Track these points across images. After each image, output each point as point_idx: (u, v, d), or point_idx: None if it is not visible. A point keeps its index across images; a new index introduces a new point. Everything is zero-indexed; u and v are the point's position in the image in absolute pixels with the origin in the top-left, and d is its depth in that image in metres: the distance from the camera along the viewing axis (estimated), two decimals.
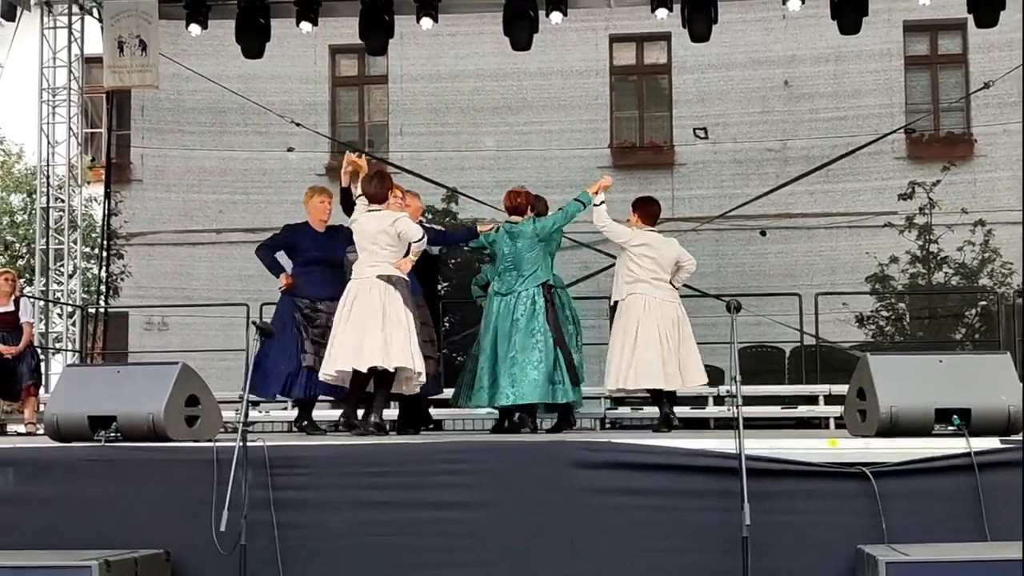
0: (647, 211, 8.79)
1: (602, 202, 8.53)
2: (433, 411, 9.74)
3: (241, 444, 5.68)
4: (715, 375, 13.09)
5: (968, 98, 15.01)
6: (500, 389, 8.26)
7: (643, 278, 8.55)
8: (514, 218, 8.62)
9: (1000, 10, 12.28)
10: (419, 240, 7.81)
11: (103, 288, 15.14)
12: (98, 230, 16.14)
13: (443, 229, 9.69)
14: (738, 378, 5.62)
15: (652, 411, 12.34)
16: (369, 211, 7.91)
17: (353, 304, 7.74)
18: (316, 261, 8.57)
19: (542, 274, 8.47)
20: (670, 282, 8.66)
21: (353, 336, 7.66)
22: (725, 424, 11.20)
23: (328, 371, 7.82)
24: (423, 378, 7.83)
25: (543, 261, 8.51)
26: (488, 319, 8.49)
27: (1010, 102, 14.14)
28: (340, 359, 7.71)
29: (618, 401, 11.71)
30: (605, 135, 15.83)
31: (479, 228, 8.92)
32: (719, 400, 12.07)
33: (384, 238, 7.80)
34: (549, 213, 8.77)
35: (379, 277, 7.73)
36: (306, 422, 8.67)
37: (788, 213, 14.91)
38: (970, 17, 12.73)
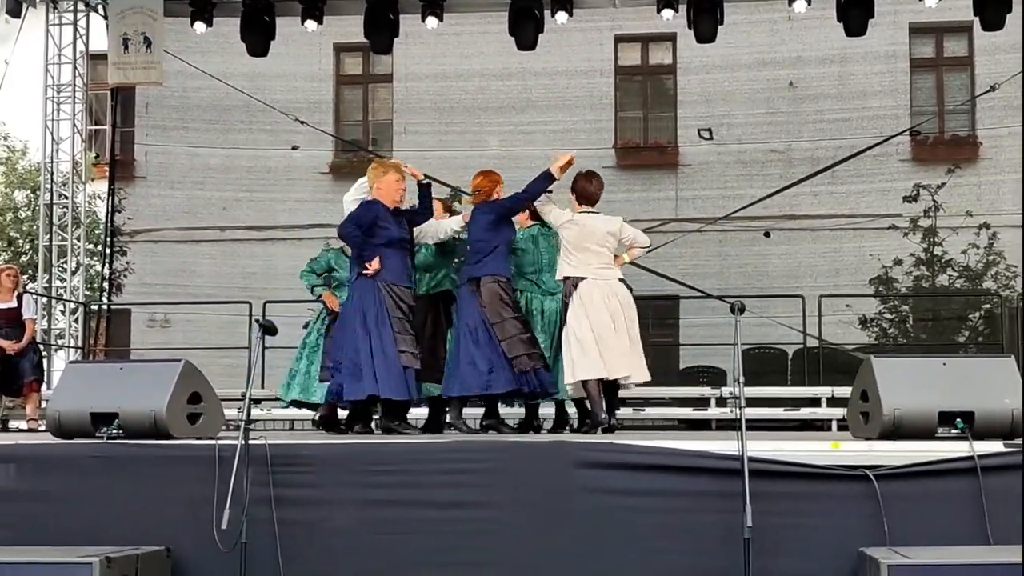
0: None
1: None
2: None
3: (243, 442, 5.67)
4: (718, 377, 13.16)
5: (974, 101, 14.99)
6: (562, 385, 8.18)
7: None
8: (536, 221, 8.56)
9: (1006, 13, 12.25)
10: (647, 245, 7.89)
11: (106, 285, 15.16)
12: (101, 227, 16.16)
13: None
14: (741, 380, 5.60)
15: (653, 412, 12.41)
16: (591, 212, 7.71)
17: (616, 308, 7.53)
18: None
19: None
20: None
21: (622, 343, 7.50)
22: (727, 426, 11.21)
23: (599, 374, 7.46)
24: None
25: None
26: (538, 319, 8.27)
27: (1015, 105, 14.08)
28: (620, 364, 7.47)
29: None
30: (609, 135, 15.81)
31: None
32: (721, 402, 12.08)
33: (612, 240, 7.71)
34: None
35: (620, 280, 7.66)
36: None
37: (792, 215, 14.90)
38: (976, 20, 12.71)
